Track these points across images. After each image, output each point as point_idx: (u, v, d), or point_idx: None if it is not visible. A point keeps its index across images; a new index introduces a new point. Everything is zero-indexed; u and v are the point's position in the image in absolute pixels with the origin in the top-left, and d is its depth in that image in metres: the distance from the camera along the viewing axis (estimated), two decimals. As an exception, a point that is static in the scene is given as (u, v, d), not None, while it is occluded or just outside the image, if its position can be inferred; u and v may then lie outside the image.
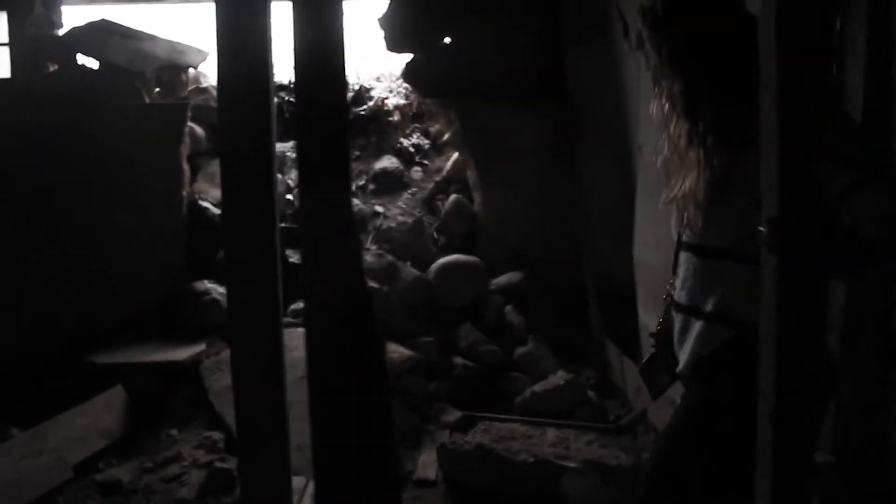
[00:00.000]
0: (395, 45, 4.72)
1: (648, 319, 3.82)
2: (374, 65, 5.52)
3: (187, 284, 4.38)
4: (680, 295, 1.87)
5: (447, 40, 4.73)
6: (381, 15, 4.67)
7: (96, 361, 3.99)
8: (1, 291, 4.30)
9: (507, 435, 3.54)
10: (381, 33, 4.70)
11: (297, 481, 3.05)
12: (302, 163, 1.82)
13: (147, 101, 4.63)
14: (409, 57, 4.81)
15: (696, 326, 1.80)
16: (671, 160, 1.84)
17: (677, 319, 1.89)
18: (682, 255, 1.89)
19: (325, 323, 1.83)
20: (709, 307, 1.77)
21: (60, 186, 4.35)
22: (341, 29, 1.84)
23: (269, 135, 1.88)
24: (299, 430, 3.56)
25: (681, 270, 1.89)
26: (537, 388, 3.96)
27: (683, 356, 1.84)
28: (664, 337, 2.01)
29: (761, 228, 1.46)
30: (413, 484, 3.44)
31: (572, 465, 3.18)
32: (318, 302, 1.85)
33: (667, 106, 1.80)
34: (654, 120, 1.87)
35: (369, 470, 1.86)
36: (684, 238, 1.88)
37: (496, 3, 4.70)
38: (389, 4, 4.65)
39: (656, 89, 1.83)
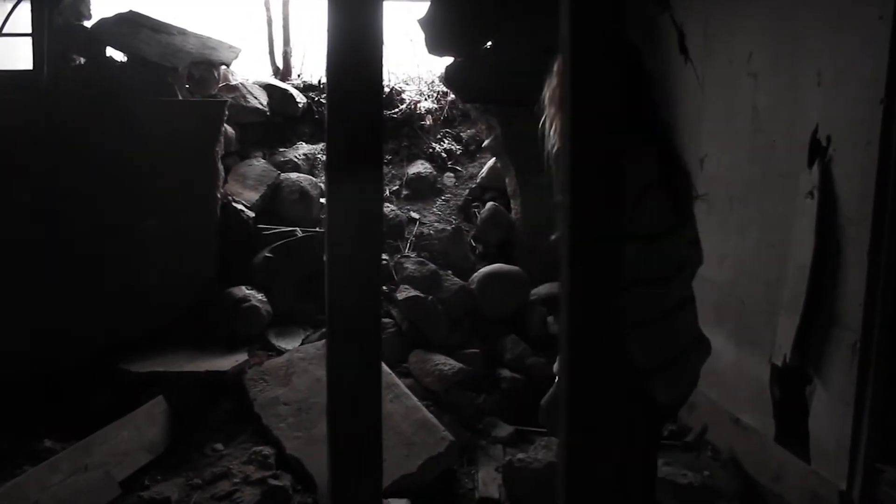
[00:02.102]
0: (435, 47, 4.60)
1: (708, 335, 3.75)
2: (404, 67, 5.39)
3: (222, 290, 4.20)
4: None
5: (489, 45, 4.63)
6: (421, 16, 4.55)
7: (131, 370, 3.79)
8: (27, 298, 4.09)
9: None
10: (422, 35, 4.58)
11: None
12: (331, 165, 1.72)
13: (179, 97, 4.44)
14: (448, 60, 4.69)
15: None
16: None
17: None
18: None
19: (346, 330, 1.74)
20: None
21: (88, 186, 4.15)
22: (380, 23, 1.75)
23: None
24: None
25: None
26: (588, 403, 3.87)
27: None
28: None
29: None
30: (476, 502, 3.33)
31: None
32: (340, 311, 1.75)
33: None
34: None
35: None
36: None
37: (538, 8, 4.60)
38: (430, 6, 4.53)
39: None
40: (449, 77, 4.66)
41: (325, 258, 1.79)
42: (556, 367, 2.08)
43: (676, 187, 2.02)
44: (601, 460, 1.17)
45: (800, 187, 3.01)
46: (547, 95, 2.16)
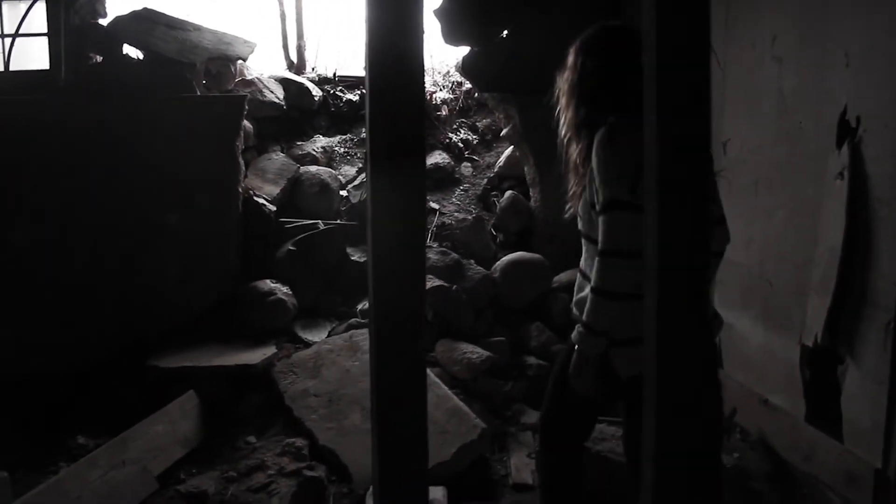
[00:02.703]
0: (451, 37, 4.60)
1: (734, 318, 3.78)
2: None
3: (245, 285, 4.22)
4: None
5: (505, 33, 4.63)
6: (437, 7, 4.55)
7: (160, 366, 3.81)
8: (51, 295, 4.11)
9: (598, 436, 3.47)
10: (438, 25, 4.58)
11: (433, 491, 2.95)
12: (374, 160, 1.72)
13: (198, 93, 4.45)
14: (463, 50, 4.69)
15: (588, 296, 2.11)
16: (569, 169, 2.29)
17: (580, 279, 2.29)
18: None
19: (389, 321, 1.75)
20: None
21: (110, 183, 4.17)
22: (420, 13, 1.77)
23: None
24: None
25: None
26: (617, 388, 3.89)
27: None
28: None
29: None
30: (510, 488, 3.36)
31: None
32: (383, 304, 1.76)
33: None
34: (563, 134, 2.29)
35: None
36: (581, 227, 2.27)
37: (553, -5, 4.61)
38: (446, -5, 4.53)
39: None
40: (466, 66, 4.66)
41: (369, 248, 1.81)
42: (573, 335, 2.18)
43: None
44: (689, 440, 1.19)
45: (828, 169, 3.02)
46: (561, 88, 2.24)
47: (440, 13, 4.56)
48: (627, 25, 2.23)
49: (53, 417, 3.73)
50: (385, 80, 1.70)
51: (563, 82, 2.23)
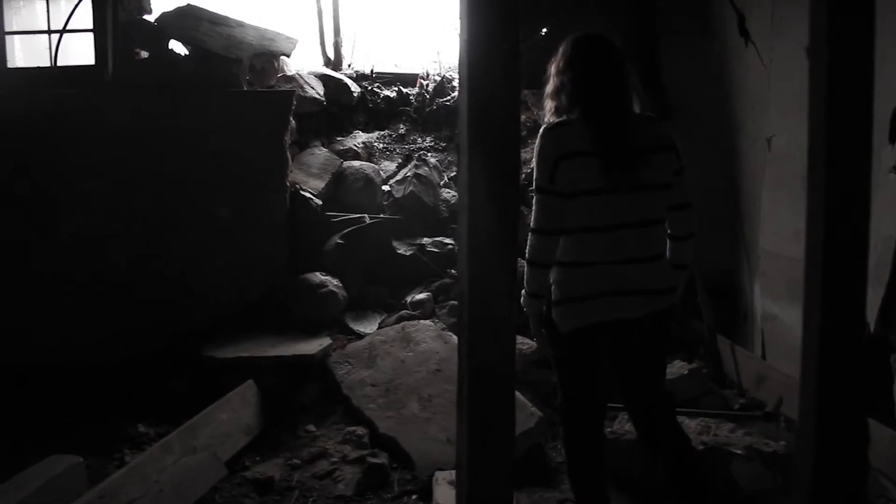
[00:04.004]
0: (492, 34, 4.66)
1: (779, 309, 3.87)
2: (452, 56, 5.47)
3: (295, 277, 4.29)
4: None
5: (544, 31, 4.71)
6: (477, 4, 4.62)
7: (216, 356, 3.88)
8: (102, 286, 4.18)
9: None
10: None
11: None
12: (472, 162, 1.79)
13: (244, 88, 4.51)
14: (503, 47, 4.76)
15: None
16: None
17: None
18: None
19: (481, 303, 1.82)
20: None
21: (162, 177, 4.24)
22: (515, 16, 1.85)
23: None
24: (445, 424, 3.55)
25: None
26: (660, 377, 3.98)
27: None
28: None
29: None
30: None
31: (739, 451, 3.21)
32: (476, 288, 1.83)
33: None
34: None
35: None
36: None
37: (594, -5, 4.70)
38: (485, -7, 4.60)
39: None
40: (505, 63, 4.72)
41: (462, 236, 1.89)
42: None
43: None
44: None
45: (881, 163, 3.11)
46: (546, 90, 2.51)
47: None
48: (600, 35, 2.45)
49: (111, 406, 3.79)
50: (482, 83, 1.78)
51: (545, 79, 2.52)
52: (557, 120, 2.41)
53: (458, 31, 1.94)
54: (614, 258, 2.37)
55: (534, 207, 2.35)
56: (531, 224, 2.36)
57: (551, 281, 2.46)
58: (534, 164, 2.38)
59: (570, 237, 2.37)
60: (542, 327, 2.56)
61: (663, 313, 2.48)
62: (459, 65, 1.98)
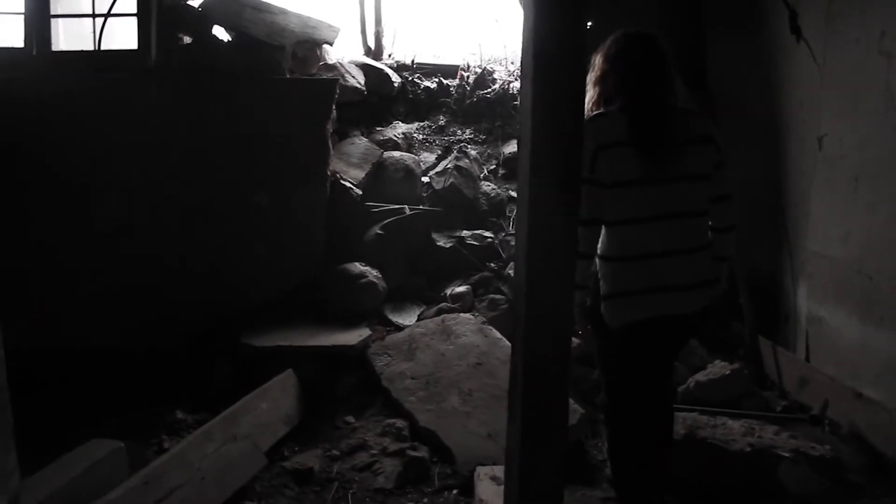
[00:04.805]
0: (537, 27, 4.62)
1: (826, 312, 3.80)
2: (491, 49, 5.43)
3: (334, 266, 4.27)
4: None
5: (589, 24, 4.65)
6: (523, -4, 4.58)
7: (255, 344, 3.87)
8: (141, 273, 4.19)
9: (693, 424, 3.50)
10: (522, 14, 4.59)
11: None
12: (535, 161, 1.76)
13: (287, 76, 4.49)
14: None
15: None
16: None
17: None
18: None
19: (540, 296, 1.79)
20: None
21: (199, 162, 4.24)
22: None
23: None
24: (485, 418, 3.52)
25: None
26: (700, 377, 3.93)
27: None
28: None
29: None
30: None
31: (786, 454, 3.16)
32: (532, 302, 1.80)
33: None
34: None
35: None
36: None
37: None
38: (532, -15, 4.55)
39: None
40: (549, 56, 4.68)
41: (522, 228, 1.85)
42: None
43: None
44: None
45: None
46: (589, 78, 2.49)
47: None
48: (648, 32, 2.50)
49: (149, 393, 3.80)
50: (548, 72, 1.76)
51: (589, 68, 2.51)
52: (597, 111, 2.45)
53: (522, 28, 1.93)
54: (659, 250, 2.38)
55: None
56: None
57: (599, 276, 2.47)
58: None
59: (614, 229, 2.39)
60: (587, 322, 2.56)
61: (708, 308, 2.50)
62: (523, 54, 1.95)
